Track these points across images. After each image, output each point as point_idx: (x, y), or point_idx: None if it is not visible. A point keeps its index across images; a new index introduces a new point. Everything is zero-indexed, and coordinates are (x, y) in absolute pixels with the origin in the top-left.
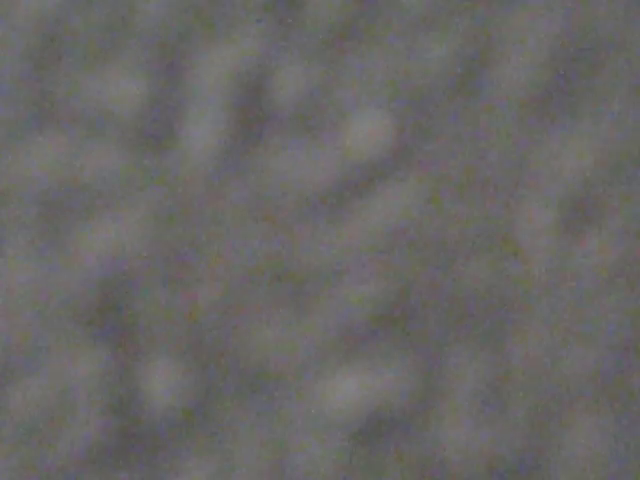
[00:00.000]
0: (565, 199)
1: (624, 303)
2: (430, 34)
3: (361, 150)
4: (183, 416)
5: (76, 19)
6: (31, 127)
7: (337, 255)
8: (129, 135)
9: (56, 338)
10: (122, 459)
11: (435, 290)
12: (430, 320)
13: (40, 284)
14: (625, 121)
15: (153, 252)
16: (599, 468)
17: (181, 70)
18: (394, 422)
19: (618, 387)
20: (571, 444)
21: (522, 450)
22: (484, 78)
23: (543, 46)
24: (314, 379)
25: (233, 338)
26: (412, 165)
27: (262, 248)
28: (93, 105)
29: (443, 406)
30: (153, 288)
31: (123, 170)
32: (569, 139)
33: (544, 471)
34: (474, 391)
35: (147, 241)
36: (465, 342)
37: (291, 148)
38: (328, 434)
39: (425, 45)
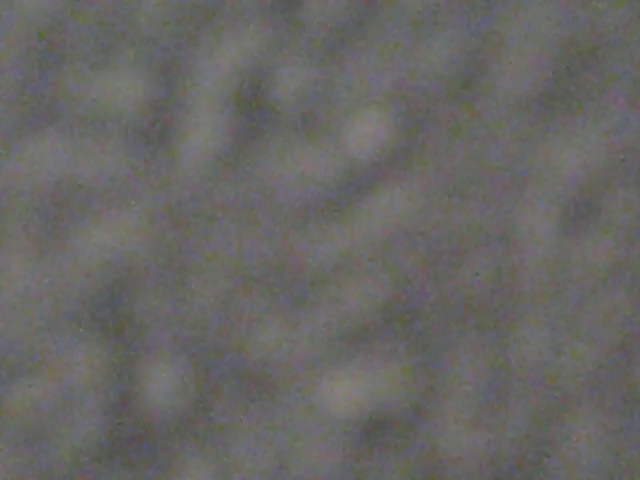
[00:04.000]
0: (565, 199)
1: (624, 303)
2: (430, 34)
3: (361, 150)
4: (183, 416)
5: (76, 19)
6: (31, 127)
7: (337, 255)
8: (129, 135)
9: (56, 338)
10: (122, 459)
11: (435, 290)
12: (430, 320)
13: (40, 284)
14: (625, 121)
15: (153, 252)
16: (599, 468)
17: (181, 70)
18: (394, 422)
19: (618, 387)
20: (571, 444)
21: (522, 450)
22: (484, 78)
23: (543, 46)
24: (314, 379)
25: (233, 338)
26: (412, 165)
27: (262, 248)
28: (93, 105)
29: (443, 406)
30: (153, 288)
31: (123, 170)
32: (569, 139)
33: (544, 471)
34: (474, 391)
35: (147, 241)
36: (465, 342)
37: (291, 148)
38: (328, 434)
39: (425, 45)
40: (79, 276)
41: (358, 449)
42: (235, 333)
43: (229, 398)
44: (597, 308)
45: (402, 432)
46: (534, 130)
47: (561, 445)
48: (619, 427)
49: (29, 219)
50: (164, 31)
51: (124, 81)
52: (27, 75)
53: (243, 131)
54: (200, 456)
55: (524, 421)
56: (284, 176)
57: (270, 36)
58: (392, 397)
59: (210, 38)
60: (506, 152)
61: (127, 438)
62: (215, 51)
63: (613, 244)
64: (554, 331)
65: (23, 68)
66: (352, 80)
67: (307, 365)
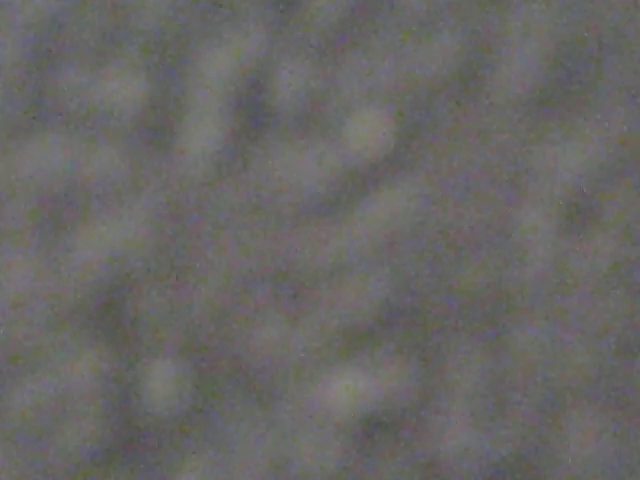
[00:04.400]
0: (565, 199)
1: (624, 303)
2: (430, 34)
3: (361, 150)
4: (183, 416)
5: (76, 20)
6: (31, 127)
7: (337, 255)
8: (129, 135)
9: (56, 338)
10: (122, 459)
11: (435, 290)
12: (430, 320)
13: (40, 284)
14: (625, 121)
15: (153, 252)
16: (599, 468)
17: (181, 70)
18: (394, 422)
19: (618, 387)
20: (571, 444)
21: (522, 450)
22: (484, 78)
23: (543, 46)
24: (314, 379)
25: (233, 338)
26: (412, 165)
27: (262, 248)
28: (93, 105)
29: (443, 406)
30: (153, 288)
31: (123, 170)
32: (569, 139)
33: (544, 471)
34: (474, 391)
35: (147, 241)
36: (465, 342)
37: (291, 148)
38: (328, 434)
39: (425, 45)
40: (79, 276)
41: (358, 449)
42: (235, 333)
43: (229, 398)
44: (597, 308)
45: (402, 432)
46: (534, 130)
47: (561, 445)
48: (619, 427)
49: (29, 219)
50: (164, 31)
51: (124, 81)
52: (27, 75)
53: (243, 131)
54: (200, 456)
55: (524, 421)
56: (284, 176)
57: (270, 36)
58: (392, 397)
59: (210, 38)
60: (506, 152)
61: (127, 438)
62: (215, 51)
63: (613, 244)
64: (554, 331)
65: (23, 68)
66: (352, 80)
67: (307, 365)
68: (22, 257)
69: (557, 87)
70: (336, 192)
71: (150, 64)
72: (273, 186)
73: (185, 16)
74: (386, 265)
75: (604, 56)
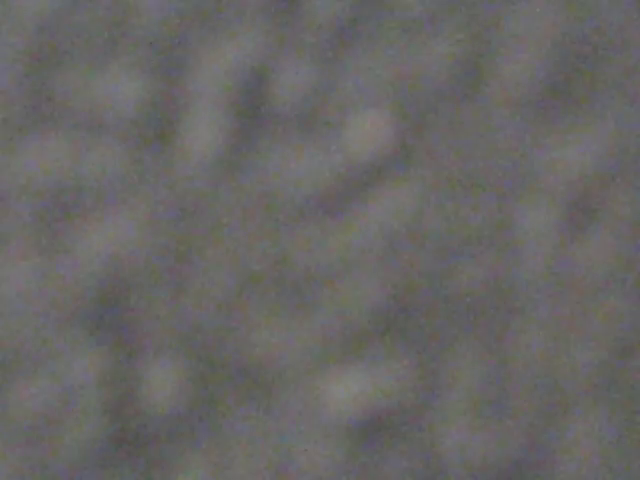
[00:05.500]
0: (565, 199)
1: (624, 303)
2: (430, 34)
3: (361, 150)
4: (183, 416)
5: (76, 19)
6: (31, 127)
7: (337, 255)
8: (129, 135)
9: (56, 338)
10: (122, 459)
11: (435, 290)
12: (430, 320)
13: (40, 284)
14: (625, 121)
15: (153, 252)
16: (599, 468)
17: (181, 70)
18: (394, 422)
19: (618, 387)
20: (571, 444)
21: (522, 450)
22: (484, 78)
23: (543, 46)
24: (314, 379)
25: (233, 338)
26: (412, 165)
27: (262, 248)
28: (93, 105)
29: (443, 406)
30: (153, 288)
31: (123, 170)
32: (569, 139)
33: (544, 471)
34: (474, 391)
35: (147, 241)
36: (465, 342)
37: (291, 148)
38: (328, 434)
39: (425, 45)
40: (79, 276)
41: (358, 449)
42: (235, 333)
43: (229, 398)
44: (597, 308)
45: (402, 432)
46: (534, 130)
47: (561, 445)
48: (619, 427)
49: (29, 219)
50: (164, 31)
51: (124, 81)
52: (27, 75)
53: (243, 131)
54: (200, 456)
55: (524, 421)
56: (284, 176)
57: (270, 36)
58: (392, 397)
59: (210, 38)
60: (506, 152)
61: (127, 438)
62: (215, 51)
63: (613, 244)
64: (554, 331)
65: (23, 68)
66: (352, 80)
67: (307, 365)
68: (22, 257)
69: (557, 87)
70: (336, 192)
71: (150, 64)
72: (273, 186)
73: (185, 16)
74: (386, 265)
75: (604, 56)
